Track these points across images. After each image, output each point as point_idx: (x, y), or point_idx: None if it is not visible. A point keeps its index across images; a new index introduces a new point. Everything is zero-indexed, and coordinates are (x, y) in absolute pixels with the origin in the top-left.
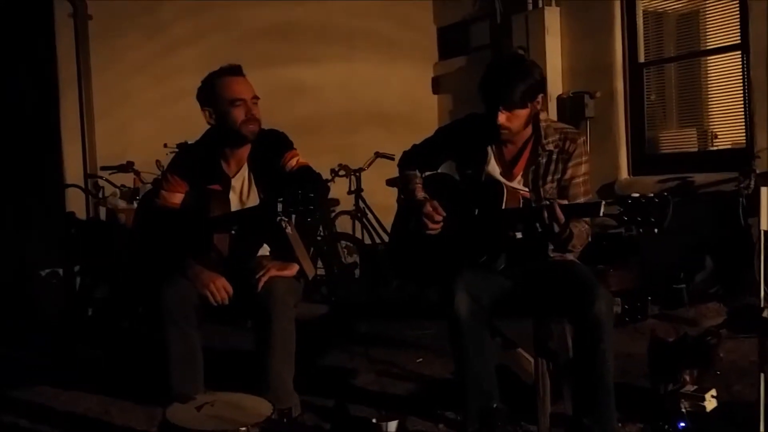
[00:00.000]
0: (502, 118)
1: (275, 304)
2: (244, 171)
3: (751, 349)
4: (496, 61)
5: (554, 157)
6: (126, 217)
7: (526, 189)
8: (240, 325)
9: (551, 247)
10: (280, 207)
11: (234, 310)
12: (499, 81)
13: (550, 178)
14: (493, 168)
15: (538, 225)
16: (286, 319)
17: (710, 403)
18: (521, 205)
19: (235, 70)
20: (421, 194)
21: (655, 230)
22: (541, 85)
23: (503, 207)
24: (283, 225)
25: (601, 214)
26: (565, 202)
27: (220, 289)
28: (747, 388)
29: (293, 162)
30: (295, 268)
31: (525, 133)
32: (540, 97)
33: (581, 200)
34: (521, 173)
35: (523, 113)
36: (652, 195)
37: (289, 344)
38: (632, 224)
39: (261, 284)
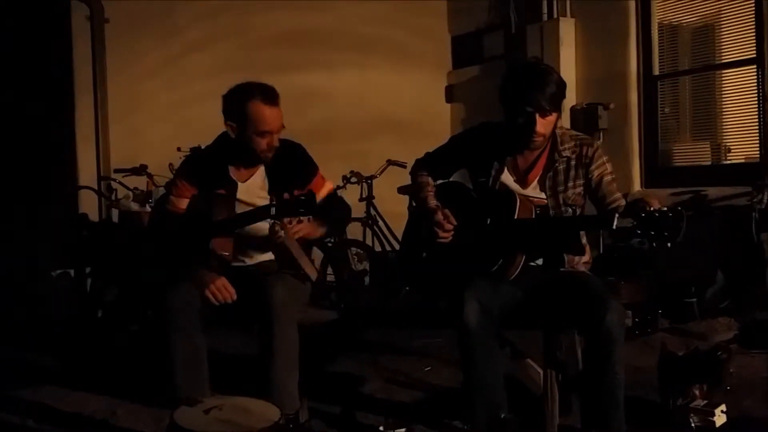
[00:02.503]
0: (540, 126)
1: (276, 308)
2: (256, 177)
3: (762, 364)
4: (520, 67)
5: (572, 163)
6: (139, 219)
7: (542, 196)
8: (247, 329)
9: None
10: (273, 211)
11: (239, 313)
12: (532, 87)
13: (571, 184)
14: (507, 177)
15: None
16: (288, 323)
17: (720, 419)
18: (534, 216)
19: (272, 98)
20: (433, 202)
21: (668, 244)
22: (565, 90)
23: (516, 217)
24: (276, 229)
25: (614, 226)
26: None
27: (221, 288)
28: (757, 404)
29: (323, 193)
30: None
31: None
32: (563, 102)
33: (617, 196)
34: (536, 180)
35: (554, 119)
36: (666, 209)
37: (292, 349)
38: (645, 238)
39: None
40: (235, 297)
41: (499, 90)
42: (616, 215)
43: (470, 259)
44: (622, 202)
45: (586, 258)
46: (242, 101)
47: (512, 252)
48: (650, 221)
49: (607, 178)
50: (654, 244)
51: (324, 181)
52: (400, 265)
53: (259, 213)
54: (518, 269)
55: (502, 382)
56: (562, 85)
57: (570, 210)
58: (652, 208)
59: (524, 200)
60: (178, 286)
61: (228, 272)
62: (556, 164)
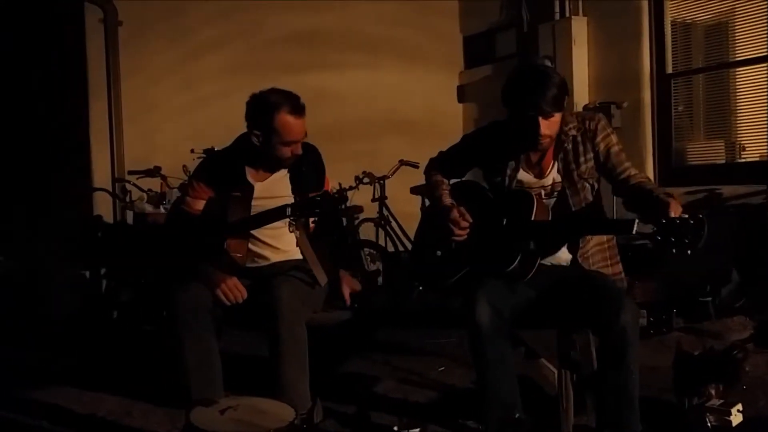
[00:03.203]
0: (544, 127)
1: (282, 309)
2: (277, 176)
3: None
4: (519, 72)
5: (579, 139)
6: (153, 221)
7: (559, 180)
8: (259, 329)
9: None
10: (289, 211)
11: (250, 314)
12: (532, 92)
13: (582, 159)
14: (523, 174)
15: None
16: (295, 323)
17: (736, 418)
18: (550, 218)
19: (299, 109)
20: (448, 200)
21: (689, 251)
22: (566, 88)
23: (533, 218)
24: (291, 229)
25: (634, 232)
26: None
27: (232, 288)
28: None
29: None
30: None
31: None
32: (566, 100)
33: (626, 165)
34: (550, 166)
35: (558, 118)
36: (687, 216)
37: (300, 349)
38: (666, 244)
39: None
40: (245, 296)
41: (501, 96)
42: (636, 221)
43: (485, 259)
44: (633, 171)
45: None
46: (270, 113)
47: (529, 253)
48: (671, 228)
49: (615, 148)
50: (674, 251)
51: (329, 182)
52: (412, 265)
53: (274, 213)
54: (534, 270)
55: (515, 382)
56: (562, 85)
57: (587, 185)
58: (673, 215)
59: (541, 203)
60: (188, 287)
61: (240, 273)
62: (565, 144)
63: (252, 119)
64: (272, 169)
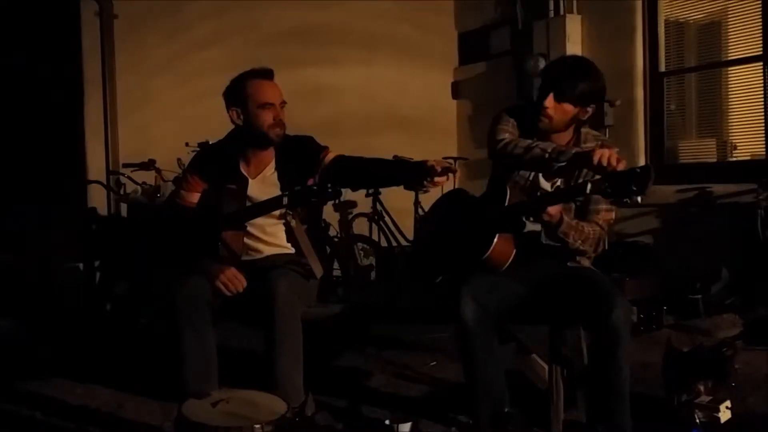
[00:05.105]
0: (549, 101)
1: (279, 303)
2: (266, 173)
3: (766, 361)
4: (567, 56)
5: None
6: (148, 214)
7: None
8: (255, 322)
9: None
10: (285, 201)
11: (247, 307)
12: (561, 71)
13: (580, 181)
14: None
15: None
16: (291, 317)
17: (725, 415)
18: (526, 199)
19: (268, 74)
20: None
21: (638, 199)
22: (598, 96)
23: (506, 204)
24: (287, 219)
25: (588, 191)
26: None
27: (232, 278)
28: (761, 400)
29: (329, 158)
30: None
31: (565, 136)
32: (591, 108)
33: (602, 206)
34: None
35: (569, 110)
36: (635, 168)
37: (296, 342)
38: (616, 196)
39: None
40: (246, 285)
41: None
42: (589, 184)
43: (467, 255)
44: (599, 218)
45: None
46: (240, 84)
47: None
48: (618, 178)
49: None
50: (626, 201)
51: (330, 151)
52: (410, 264)
53: (271, 203)
54: (509, 259)
55: (502, 377)
56: (596, 86)
57: (573, 206)
58: (622, 169)
59: (513, 189)
60: (187, 280)
61: (237, 266)
62: None
63: (228, 100)
64: (264, 147)
